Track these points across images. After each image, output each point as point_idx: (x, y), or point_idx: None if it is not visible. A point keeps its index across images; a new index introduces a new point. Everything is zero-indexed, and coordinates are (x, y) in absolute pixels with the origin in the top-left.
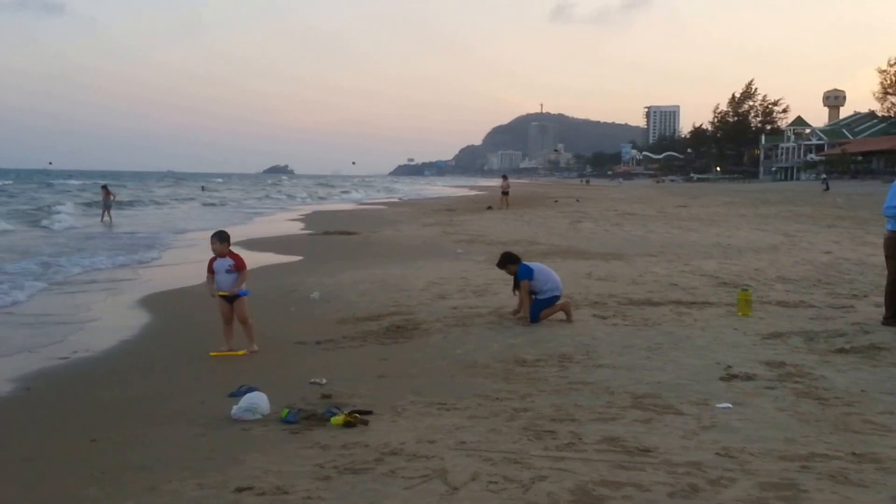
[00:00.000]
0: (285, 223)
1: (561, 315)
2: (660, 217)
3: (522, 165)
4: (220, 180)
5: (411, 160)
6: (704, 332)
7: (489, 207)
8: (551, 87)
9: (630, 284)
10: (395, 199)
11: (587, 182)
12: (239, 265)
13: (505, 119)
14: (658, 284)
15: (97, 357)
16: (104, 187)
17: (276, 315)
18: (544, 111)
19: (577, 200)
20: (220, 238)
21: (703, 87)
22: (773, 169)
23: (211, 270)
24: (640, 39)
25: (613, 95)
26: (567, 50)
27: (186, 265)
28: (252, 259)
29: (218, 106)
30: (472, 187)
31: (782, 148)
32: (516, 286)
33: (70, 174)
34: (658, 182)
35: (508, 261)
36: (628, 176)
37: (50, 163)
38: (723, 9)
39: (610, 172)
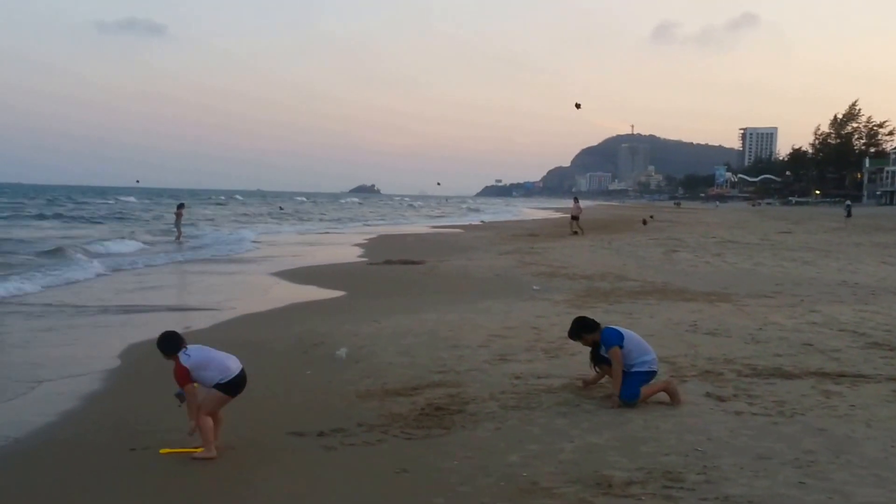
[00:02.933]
0: (346, 248)
1: (661, 396)
2: (765, 245)
3: (612, 187)
4: (303, 199)
5: (499, 181)
6: (871, 428)
7: (574, 232)
8: (643, 108)
9: (749, 343)
10: (476, 222)
11: (678, 204)
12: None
13: (594, 140)
14: (786, 343)
15: None
16: (181, 205)
17: (283, 382)
18: (635, 132)
19: (644, 223)
20: (162, 350)
21: (803, 109)
22: (878, 193)
23: None
24: (740, 60)
25: (707, 116)
26: (662, 70)
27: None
28: (288, 294)
29: (303, 132)
30: (558, 209)
31: (888, 171)
32: (596, 360)
33: (161, 192)
34: (753, 205)
35: (583, 329)
36: (722, 199)
37: (137, 181)
38: (829, 29)
39: (703, 195)
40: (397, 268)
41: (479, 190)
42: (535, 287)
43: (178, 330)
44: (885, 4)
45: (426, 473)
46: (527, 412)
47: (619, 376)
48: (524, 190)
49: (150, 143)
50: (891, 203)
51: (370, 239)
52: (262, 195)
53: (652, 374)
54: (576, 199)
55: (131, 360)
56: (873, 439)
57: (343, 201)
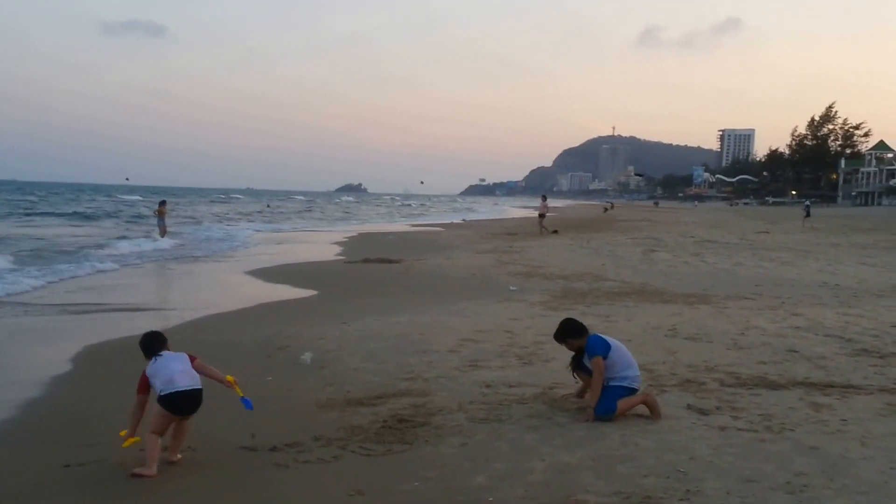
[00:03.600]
0: (325, 246)
1: (640, 409)
2: (743, 246)
3: (592, 187)
4: (300, 197)
5: (482, 180)
6: (867, 447)
7: (555, 231)
8: (624, 110)
9: (731, 348)
10: (458, 221)
11: (656, 204)
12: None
13: (576, 141)
14: (770, 349)
15: None
16: (163, 202)
17: (242, 388)
18: (616, 133)
19: (605, 210)
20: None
21: (781, 113)
22: (853, 193)
23: None
24: (721, 64)
25: (687, 118)
26: (645, 73)
27: None
28: (259, 293)
29: (295, 128)
30: (538, 208)
31: (863, 172)
32: (577, 366)
33: (154, 190)
34: (732, 205)
35: (569, 332)
36: (700, 199)
37: (127, 178)
38: (808, 36)
39: (681, 194)
40: (374, 267)
41: (463, 189)
42: (511, 287)
43: (150, 331)
44: (861, 14)
45: (382, 497)
46: (496, 425)
47: (597, 388)
48: (507, 189)
49: (142, 139)
50: (866, 203)
51: (350, 237)
52: (252, 193)
53: (631, 391)
54: (544, 198)
55: (84, 364)
56: (869, 459)
57: (337, 201)
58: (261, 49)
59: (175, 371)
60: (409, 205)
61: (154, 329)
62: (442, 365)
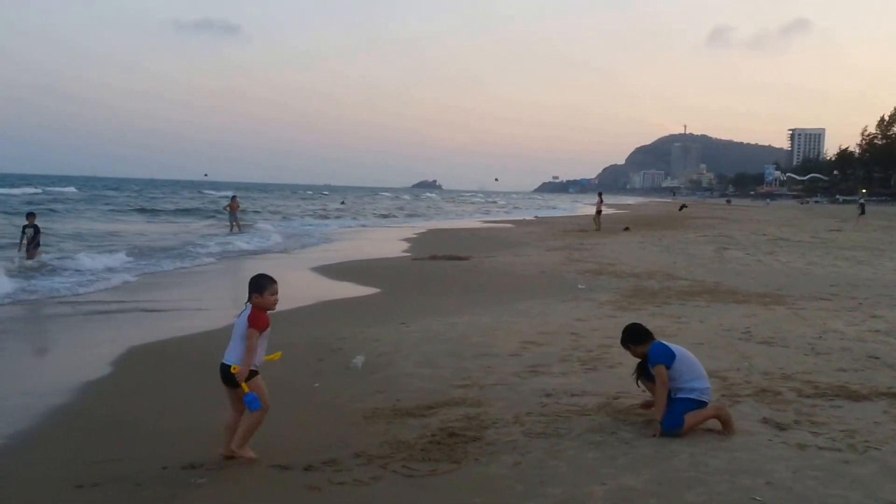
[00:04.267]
0: (394, 242)
1: (712, 423)
2: (816, 244)
3: (665, 185)
4: (385, 193)
5: (556, 178)
6: None
7: (626, 228)
8: (696, 109)
9: (809, 354)
10: (531, 218)
11: (728, 202)
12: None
13: (648, 139)
14: (849, 355)
15: None
16: (233, 198)
17: (285, 396)
18: (687, 132)
19: (681, 209)
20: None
21: (850, 112)
22: None
23: (262, 329)
24: (791, 63)
25: (757, 117)
26: (715, 73)
27: None
28: (320, 291)
29: (369, 128)
30: (611, 205)
31: None
32: (642, 374)
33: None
34: (802, 203)
35: (633, 338)
36: (772, 197)
37: (205, 175)
38: (876, 35)
39: (752, 193)
40: (441, 263)
41: (536, 186)
42: (579, 286)
43: (173, 333)
44: None
45: None
46: (554, 441)
47: (661, 400)
48: (580, 186)
49: (221, 138)
50: None
51: (420, 234)
52: (330, 189)
53: (700, 404)
54: (600, 195)
55: (122, 367)
56: None
57: (414, 197)
58: (330, 52)
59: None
60: (494, 202)
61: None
62: (500, 370)
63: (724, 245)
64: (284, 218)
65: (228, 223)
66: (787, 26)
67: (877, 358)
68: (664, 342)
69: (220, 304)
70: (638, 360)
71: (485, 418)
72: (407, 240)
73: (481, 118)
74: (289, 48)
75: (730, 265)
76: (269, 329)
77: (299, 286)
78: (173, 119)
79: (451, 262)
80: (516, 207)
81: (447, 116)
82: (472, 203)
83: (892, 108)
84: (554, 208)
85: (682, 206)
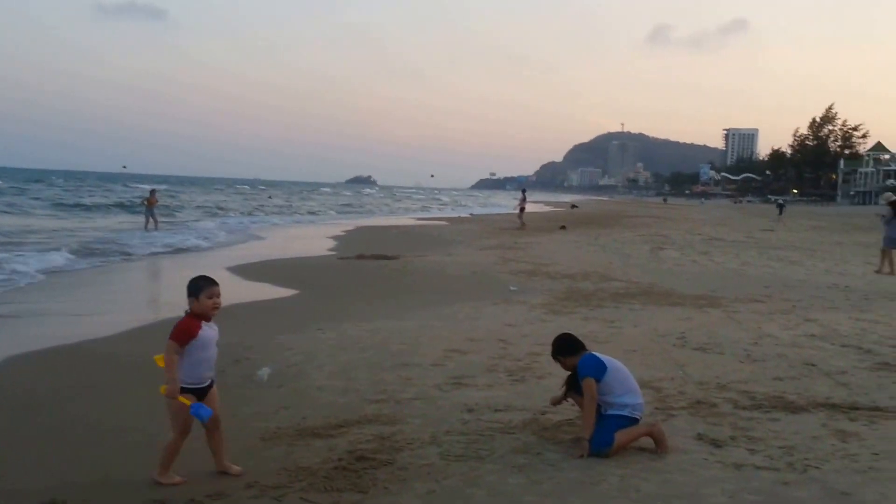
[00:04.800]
0: (320, 240)
1: (645, 441)
2: (750, 244)
3: (602, 182)
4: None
5: (493, 174)
6: None
7: (562, 227)
8: (634, 108)
9: (744, 361)
10: (465, 215)
11: (665, 201)
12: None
13: (586, 137)
14: (785, 362)
15: None
16: (152, 192)
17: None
18: (625, 130)
19: (563, 228)
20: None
21: (784, 113)
22: (852, 193)
23: (184, 341)
24: (727, 64)
25: (693, 117)
26: (654, 72)
27: None
28: (234, 293)
29: (304, 118)
30: (548, 203)
31: (861, 173)
32: (573, 387)
33: (155, 179)
34: (736, 202)
35: (561, 350)
36: (706, 196)
37: (124, 167)
38: (810, 38)
39: (687, 192)
40: (367, 263)
41: (473, 183)
42: (512, 287)
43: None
44: (861, 19)
45: None
46: (474, 464)
47: (590, 416)
48: (517, 184)
49: (142, 125)
50: (864, 203)
51: (348, 231)
52: (261, 184)
53: (632, 421)
54: (523, 192)
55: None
56: None
57: (345, 193)
58: (268, 37)
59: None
60: (440, 199)
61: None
62: (421, 382)
63: (660, 245)
64: (207, 214)
65: (145, 218)
66: (726, 26)
67: (813, 365)
68: (596, 354)
69: (115, 308)
70: (568, 373)
71: (399, 438)
72: (335, 237)
73: (420, 110)
74: (221, 35)
75: (665, 265)
76: (209, 337)
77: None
78: (95, 103)
79: (378, 262)
80: (462, 205)
81: (386, 107)
82: (416, 200)
83: (823, 110)
84: (498, 206)
85: (573, 206)
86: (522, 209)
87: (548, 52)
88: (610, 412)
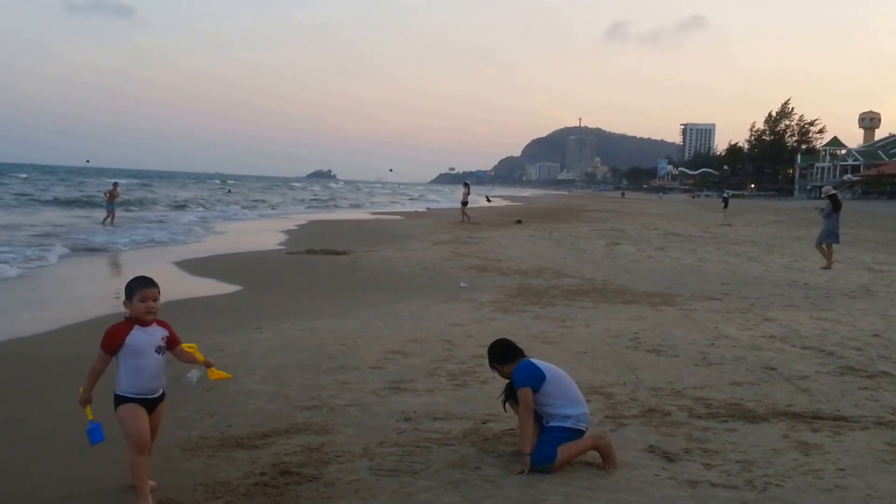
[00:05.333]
0: (272, 234)
1: (591, 455)
2: (708, 239)
3: (560, 177)
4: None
5: (452, 169)
6: None
7: (518, 221)
8: (592, 103)
9: (700, 365)
10: (422, 210)
11: (623, 195)
12: (172, 332)
13: (544, 132)
14: (743, 366)
15: None
16: (115, 185)
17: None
18: (583, 125)
19: (519, 223)
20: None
21: (740, 109)
22: (809, 187)
23: (109, 348)
24: (684, 60)
25: (651, 112)
26: (612, 67)
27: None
28: (176, 289)
29: (266, 114)
30: (506, 197)
31: (818, 167)
32: (511, 396)
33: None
34: (693, 197)
35: (500, 357)
36: (664, 190)
37: (87, 161)
38: (767, 35)
39: (645, 186)
40: (315, 259)
41: (433, 177)
42: (462, 284)
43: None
44: (817, 15)
45: None
46: (407, 480)
47: (526, 429)
48: (476, 178)
49: (106, 121)
50: (820, 197)
51: (301, 225)
52: (221, 178)
53: (576, 433)
54: (465, 185)
55: None
56: None
57: (303, 187)
58: (229, 35)
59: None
60: (408, 193)
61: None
62: (357, 387)
63: (616, 240)
64: (167, 208)
65: (106, 212)
66: (683, 23)
67: (773, 369)
68: (533, 360)
69: (45, 306)
70: (507, 381)
71: (328, 450)
72: (287, 231)
73: (379, 107)
74: (186, 32)
75: (620, 261)
76: (143, 344)
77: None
78: (58, 100)
79: (327, 257)
80: (430, 199)
81: (345, 104)
82: (383, 194)
83: (779, 105)
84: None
85: (518, 221)
86: (465, 203)
87: (506, 48)
88: (552, 424)
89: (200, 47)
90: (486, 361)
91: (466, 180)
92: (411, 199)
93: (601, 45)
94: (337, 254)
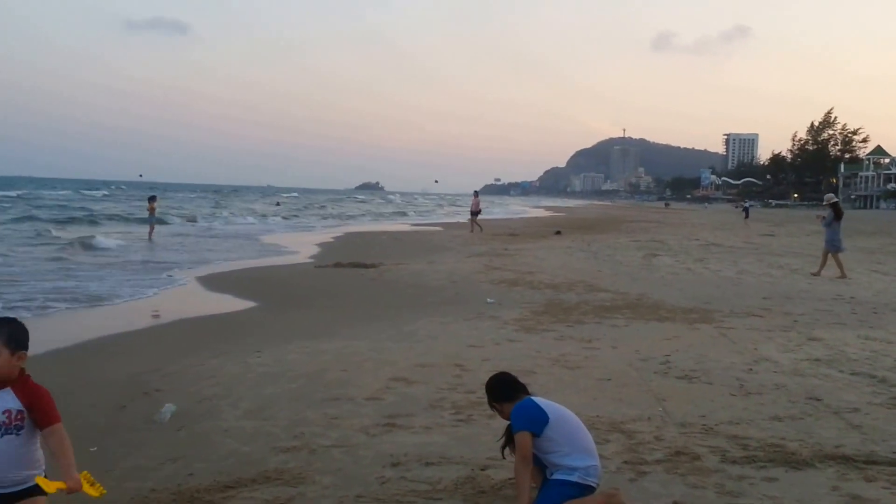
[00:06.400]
0: (305, 246)
1: None
2: (749, 250)
3: (604, 188)
4: (295, 195)
5: (498, 180)
6: None
7: (557, 232)
8: (636, 113)
9: (737, 394)
10: (463, 221)
11: (666, 205)
12: (42, 406)
13: (588, 142)
14: (785, 396)
15: None
16: (153, 198)
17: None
18: (627, 135)
19: (558, 233)
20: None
21: (782, 118)
22: (853, 197)
23: None
24: (727, 69)
25: (694, 122)
26: (656, 78)
27: None
28: (188, 306)
29: (318, 125)
30: (548, 208)
31: (861, 177)
32: (511, 440)
33: (174, 187)
34: (737, 207)
35: (498, 394)
36: (708, 200)
37: (140, 175)
38: (810, 42)
39: (689, 196)
40: (342, 273)
41: (479, 188)
42: (489, 300)
43: None
44: (858, 23)
45: None
46: None
47: (523, 480)
48: (521, 189)
49: (159, 134)
50: (865, 207)
51: (336, 237)
52: (272, 191)
53: (584, 489)
54: (475, 194)
55: None
56: None
57: (357, 199)
58: (283, 44)
59: None
60: (455, 204)
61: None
62: (348, 423)
63: (655, 251)
64: (204, 219)
65: (149, 226)
66: (728, 32)
67: (818, 399)
68: (537, 399)
69: None
70: (507, 423)
71: None
72: (322, 244)
73: (429, 115)
74: (241, 46)
75: (657, 274)
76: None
77: (170, 300)
78: (114, 114)
79: (354, 271)
80: (467, 209)
81: (396, 113)
82: (424, 205)
83: (821, 115)
84: (525, 212)
85: (557, 232)
86: (476, 213)
87: (553, 57)
88: (556, 476)
89: (250, 58)
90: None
91: (476, 189)
92: (454, 209)
93: (647, 55)
94: (365, 267)
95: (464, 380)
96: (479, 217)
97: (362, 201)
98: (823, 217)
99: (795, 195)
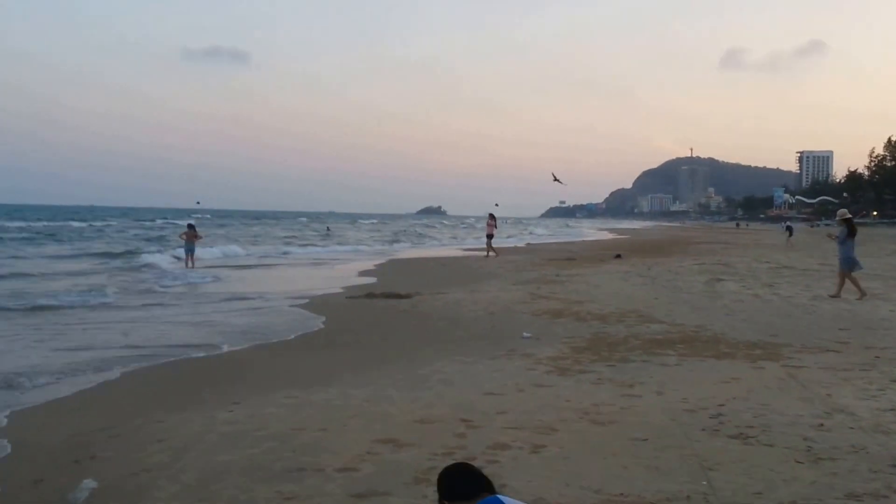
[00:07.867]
0: (343, 275)
1: None
2: (825, 271)
3: (673, 209)
4: (373, 220)
5: (563, 202)
6: None
7: (618, 256)
8: (703, 132)
9: (803, 459)
10: (521, 245)
11: (737, 225)
12: None
13: (654, 163)
14: (864, 461)
15: None
16: (190, 226)
17: None
18: (694, 155)
19: (618, 257)
20: None
21: (859, 135)
22: None
23: None
24: (799, 86)
25: (764, 141)
26: (723, 96)
27: None
28: (186, 339)
29: (376, 153)
30: (612, 230)
31: None
32: None
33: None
34: (812, 227)
35: (450, 491)
36: (782, 220)
37: (198, 202)
38: (889, 61)
39: (762, 216)
40: (374, 304)
41: (543, 211)
42: (525, 334)
43: None
44: None
45: None
46: None
47: None
48: (587, 211)
49: (216, 164)
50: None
51: (379, 264)
52: (334, 217)
53: None
54: (491, 216)
55: None
56: None
57: (417, 224)
58: (339, 76)
59: None
60: (527, 229)
61: None
62: (316, 500)
63: (719, 275)
64: (251, 244)
65: (185, 255)
66: (802, 48)
67: None
68: (504, 500)
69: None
70: None
71: None
72: (363, 272)
73: (488, 140)
74: (299, 75)
75: (720, 301)
76: None
77: (174, 332)
78: (177, 148)
79: (386, 302)
80: (526, 232)
81: (455, 139)
82: (481, 228)
83: None
84: (588, 235)
85: (617, 256)
86: (490, 235)
87: (616, 78)
88: None
89: (310, 89)
90: (508, 455)
91: (492, 212)
92: (511, 232)
93: (715, 72)
94: (399, 297)
95: (467, 440)
96: (494, 241)
97: (425, 225)
98: (836, 235)
99: (875, 213)
